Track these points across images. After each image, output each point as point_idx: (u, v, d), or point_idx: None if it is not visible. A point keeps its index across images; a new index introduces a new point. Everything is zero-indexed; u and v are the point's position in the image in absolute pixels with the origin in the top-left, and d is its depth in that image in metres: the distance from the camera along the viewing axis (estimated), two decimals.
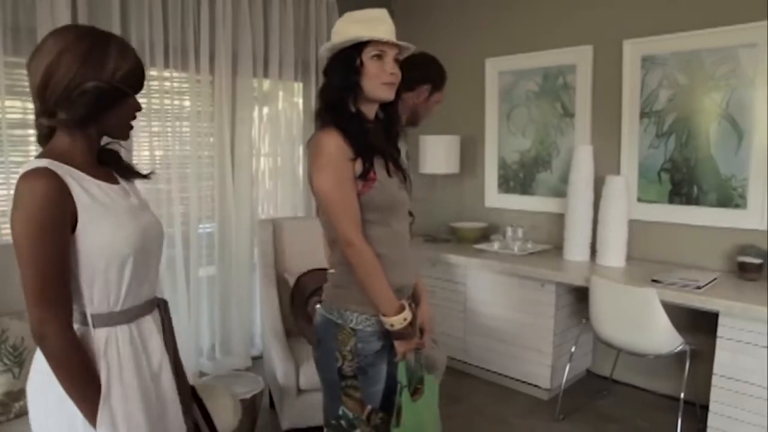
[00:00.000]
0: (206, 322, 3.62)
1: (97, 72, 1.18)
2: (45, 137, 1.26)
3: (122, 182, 1.34)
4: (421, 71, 2.37)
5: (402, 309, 1.59)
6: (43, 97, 1.18)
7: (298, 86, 3.95)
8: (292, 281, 2.95)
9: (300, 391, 2.63)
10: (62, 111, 1.18)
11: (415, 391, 1.72)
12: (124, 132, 1.30)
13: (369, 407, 1.64)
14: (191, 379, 3.18)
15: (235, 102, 3.59)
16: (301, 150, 3.94)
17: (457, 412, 3.12)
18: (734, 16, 2.88)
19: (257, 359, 3.68)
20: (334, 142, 1.54)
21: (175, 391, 1.37)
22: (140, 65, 1.26)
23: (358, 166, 1.55)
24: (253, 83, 3.63)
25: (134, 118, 1.30)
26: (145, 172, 1.42)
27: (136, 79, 1.26)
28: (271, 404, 3.02)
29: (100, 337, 1.23)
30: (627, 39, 3.28)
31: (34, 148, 2.87)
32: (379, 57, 1.59)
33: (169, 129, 3.33)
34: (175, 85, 3.36)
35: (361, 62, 1.57)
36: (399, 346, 1.62)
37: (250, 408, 2.60)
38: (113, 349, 1.23)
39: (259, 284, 3.11)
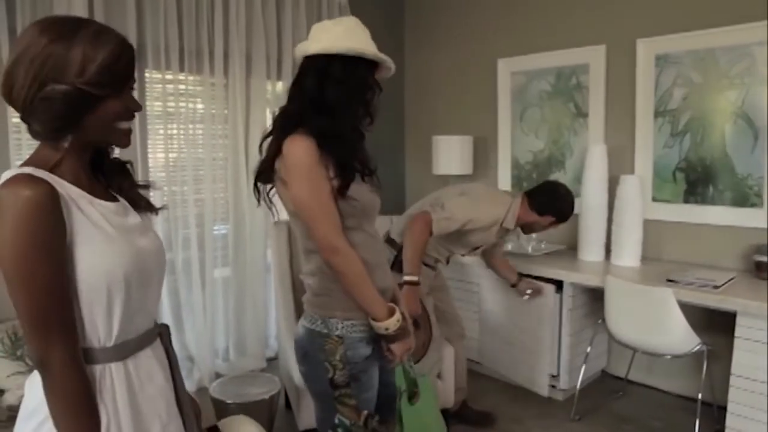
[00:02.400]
0: (221, 323, 3.64)
1: (59, 71, 0.97)
2: None
3: (122, 200, 1.16)
4: (557, 205, 2.69)
5: (393, 311, 1.56)
6: (11, 103, 1.01)
7: None
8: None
9: None
10: (32, 121, 1.01)
11: (413, 395, 1.70)
12: (117, 138, 1.09)
13: (365, 412, 1.61)
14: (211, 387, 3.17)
15: (248, 104, 3.60)
16: None
17: None
18: (749, 14, 2.86)
19: (272, 360, 3.70)
20: (309, 149, 1.48)
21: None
22: (121, 55, 1.03)
23: (336, 181, 1.51)
24: (266, 85, 3.65)
25: (126, 119, 1.08)
26: (157, 204, 1.24)
27: (114, 75, 1.02)
28: (288, 405, 3.03)
29: (93, 376, 1.04)
30: (640, 38, 3.27)
31: None
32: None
33: (183, 132, 3.35)
34: (190, 87, 3.38)
35: (376, 83, 1.58)
36: (396, 348, 1.58)
37: (267, 409, 2.62)
38: (108, 390, 1.05)
39: (274, 286, 3.13)
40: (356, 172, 1.54)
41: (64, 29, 0.99)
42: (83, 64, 0.98)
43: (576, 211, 3.44)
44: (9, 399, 2.07)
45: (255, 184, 1.64)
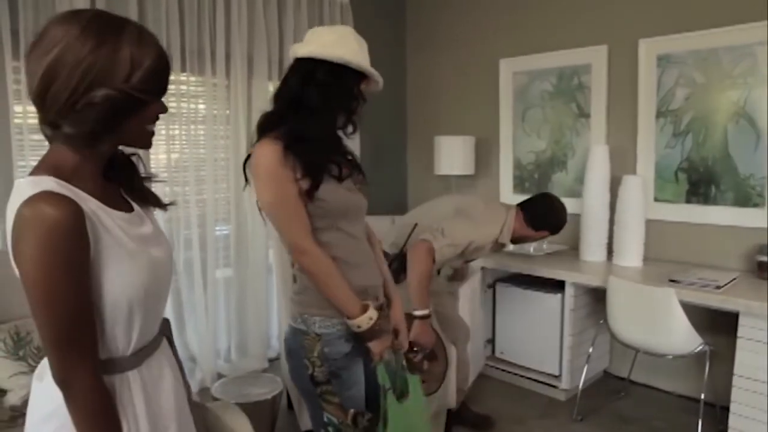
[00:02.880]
0: (223, 323, 3.64)
1: (106, 76, 0.94)
2: (51, 141, 1.04)
3: (136, 206, 1.13)
4: (552, 221, 2.74)
5: (366, 309, 1.56)
6: (42, 105, 0.96)
7: None
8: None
9: None
10: (66, 124, 0.95)
11: (402, 394, 1.70)
12: (145, 141, 1.07)
13: (352, 411, 1.60)
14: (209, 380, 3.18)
15: (250, 105, 3.61)
16: None
17: None
18: (751, 14, 2.86)
19: (274, 361, 3.70)
20: (273, 154, 1.49)
21: (192, 426, 1.24)
22: (163, 60, 1.01)
23: (305, 183, 1.51)
24: (268, 86, 3.65)
25: (156, 121, 1.07)
26: (165, 200, 1.21)
27: (159, 80, 1.01)
28: (290, 405, 3.03)
29: (113, 385, 1.04)
30: (642, 38, 3.26)
31: None
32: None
33: (185, 132, 3.36)
34: (191, 88, 3.39)
35: (362, 94, 1.61)
36: (373, 346, 1.59)
37: (269, 409, 2.62)
38: (127, 398, 1.06)
39: (276, 286, 3.13)
40: (326, 174, 1.55)
41: (107, 30, 0.95)
42: (131, 69, 0.96)
43: (578, 211, 3.46)
44: (11, 399, 2.07)
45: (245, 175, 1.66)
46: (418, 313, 2.35)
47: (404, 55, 4.59)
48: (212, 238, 3.47)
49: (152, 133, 1.08)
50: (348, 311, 1.56)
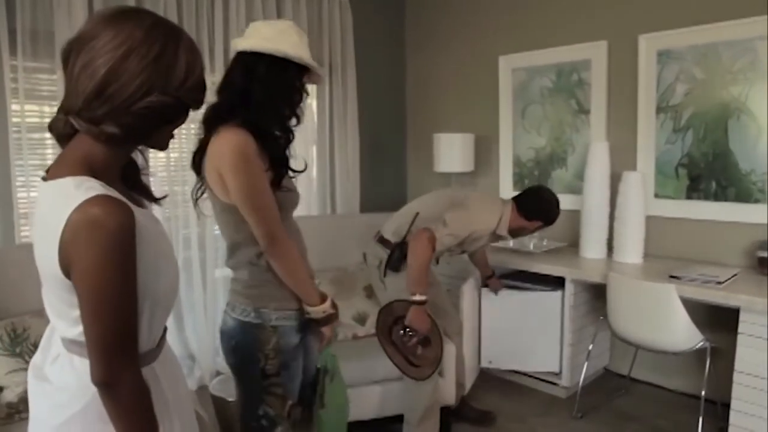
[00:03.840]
0: (222, 322, 3.63)
1: (164, 83, 0.96)
2: (67, 138, 1.02)
3: (147, 204, 1.16)
4: (544, 211, 2.73)
5: (325, 298, 1.66)
6: (91, 103, 0.94)
7: (311, 86, 3.95)
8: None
9: None
10: (111, 123, 0.95)
11: (333, 376, 1.79)
12: (167, 143, 1.09)
13: (290, 402, 1.66)
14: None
15: None
16: (315, 151, 3.96)
17: None
18: (752, 8, 2.84)
19: None
20: (246, 141, 1.51)
21: (192, 405, 1.29)
22: (204, 70, 1.05)
23: (269, 175, 1.56)
24: None
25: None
26: (158, 194, 1.21)
27: (202, 91, 1.05)
28: None
29: (145, 379, 1.05)
30: (642, 33, 3.25)
31: (51, 152, 2.90)
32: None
33: (184, 131, 3.35)
34: None
35: (303, 87, 1.64)
36: (326, 331, 1.69)
37: None
38: (156, 389, 1.07)
39: None
40: (287, 167, 1.61)
41: (168, 38, 0.97)
42: (185, 77, 0.98)
43: (578, 208, 3.45)
44: (8, 396, 2.07)
45: (197, 170, 1.66)
46: (415, 298, 2.43)
47: (403, 53, 4.58)
48: (211, 237, 3.47)
49: (172, 137, 1.10)
50: (312, 299, 1.62)
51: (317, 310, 1.63)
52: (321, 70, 1.67)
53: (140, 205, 1.09)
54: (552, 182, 3.75)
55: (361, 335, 2.93)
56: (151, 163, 3.21)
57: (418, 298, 2.43)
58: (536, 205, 2.73)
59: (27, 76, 2.79)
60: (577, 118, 3.62)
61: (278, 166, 1.57)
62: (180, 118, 1.04)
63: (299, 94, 1.63)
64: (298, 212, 4.02)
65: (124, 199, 0.96)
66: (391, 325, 2.54)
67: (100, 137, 0.97)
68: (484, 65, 4.04)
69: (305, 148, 3.91)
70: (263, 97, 1.55)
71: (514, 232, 2.79)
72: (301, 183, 3.83)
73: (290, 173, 1.66)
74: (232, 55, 1.64)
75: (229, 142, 1.52)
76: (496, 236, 2.73)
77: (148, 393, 1.01)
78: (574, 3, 3.55)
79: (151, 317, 1.05)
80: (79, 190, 0.92)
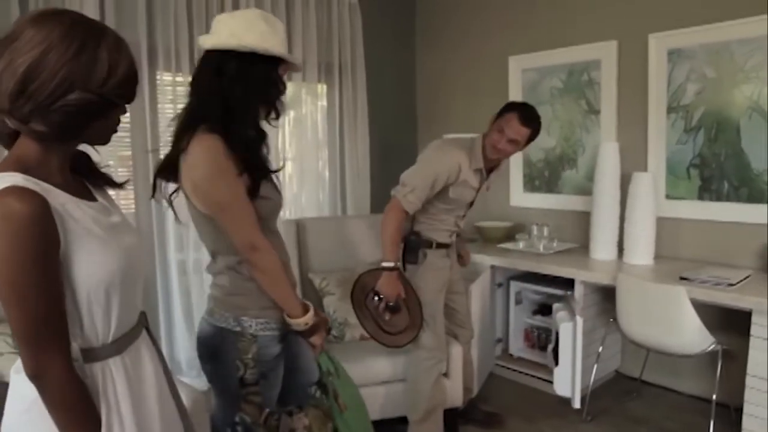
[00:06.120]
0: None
1: (84, 80, 0.97)
2: (8, 137, 1.04)
3: (99, 198, 1.15)
4: (512, 104, 2.60)
5: (308, 307, 1.60)
6: (15, 101, 0.96)
7: (321, 88, 3.98)
8: (317, 281, 2.98)
9: None
10: (38, 121, 0.97)
11: (337, 373, 1.78)
12: (105, 139, 1.10)
13: (266, 410, 1.61)
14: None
15: None
16: (326, 153, 3.97)
17: None
18: (764, 6, 2.80)
19: None
20: (219, 149, 1.43)
21: (177, 415, 1.27)
22: (134, 68, 1.05)
23: (245, 181, 1.47)
24: None
25: (118, 123, 1.11)
26: (118, 180, 1.23)
27: (130, 87, 1.05)
28: None
29: (95, 374, 1.06)
30: (653, 33, 3.21)
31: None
32: (281, 76, 1.57)
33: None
34: None
35: (280, 79, 1.54)
36: (314, 341, 1.64)
37: None
38: (110, 386, 1.07)
39: None
40: (264, 171, 1.53)
41: (89, 35, 0.98)
42: (108, 75, 0.99)
43: (588, 209, 3.42)
44: None
45: (154, 181, 1.60)
46: (384, 264, 2.45)
47: (414, 54, 4.57)
48: None
49: (114, 132, 1.10)
50: (292, 310, 1.56)
51: (298, 323, 1.56)
52: (294, 58, 1.56)
53: (87, 197, 1.10)
54: (562, 183, 3.73)
55: (367, 336, 2.93)
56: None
57: (387, 264, 2.44)
58: (504, 107, 2.56)
59: None
60: (587, 118, 3.59)
61: (254, 170, 1.49)
62: (110, 114, 1.05)
63: (275, 87, 1.54)
64: (309, 213, 4.07)
65: (46, 190, 0.97)
66: (366, 295, 2.56)
67: (31, 135, 1.00)
68: (493, 66, 4.02)
69: (316, 149, 3.93)
70: (234, 97, 1.47)
71: (498, 154, 2.55)
72: (311, 184, 3.91)
73: (273, 178, 1.59)
74: (198, 54, 1.53)
75: (200, 152, 1.44)
76: (477, 172, 2.58)
77: (78, 387, 1.00)
78: (584, 3, 3.53)
79: (107, 310, 1.06)
80: None
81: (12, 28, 0.98)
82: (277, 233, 1.65)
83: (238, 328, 1.56)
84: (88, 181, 1.16)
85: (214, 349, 1.60)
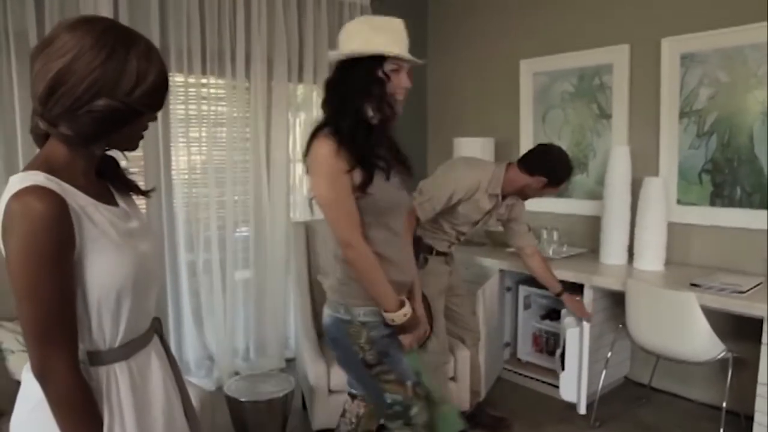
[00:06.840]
0: (241, 323, 3.68)
1: (112, 87, 0.99)
2: (42, 138, 1.07)
3: (121, 203, 1.17)
4: (548, 165, 2.58)
5: (402, 304, 1.69)
6: (45, 104, 0.99)
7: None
8: (325, 284, 2.98)
9: (331, 392, 2.65)
10: (65, 125, 1.00)
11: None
12: (133, 145, 1.13)
13: (409, 383, 1.71)
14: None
15: (270, 107, 3.64)
16: None
17: None
18: None
19: (291, 361, 3.72)
20: (331, 150, 1.59)
21: (185, 425, 1.25)
22: (164, 77, 1.06)
23: (357, 176, 1.60)
24: (288, 88, 3.68)
25: (146, 129, 1.13)
26: (144, 187, 1.25)
27: (158, 96, 1.06)
28: (304, 405, 3.04)
29: (100, 377, 1.06)
30: (665, 37, 3.19)
31: None
32: (396, 71, 1.65)
33: (205, 135, 3.41)
34: (212, 91, 3.44)
35: (385, 74, 1.63)
36: (404, 339, 1.73)
37: (281, 407, 2.64)
38: (114, 390, 1.07)
39: (292, 286, 3.15)
40: (375, 168, 1.62)
41: (119, 43, 1.00)
42: (136, 83, 1.00)
43: (598, 213, 3.40)
44: None
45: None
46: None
47: (425, 57, 4.55)
48: (231, 239, 3.51)
49: (140, 138, 1.13)
50: (386, 305, 1.67)
51: (387, 317, 1.67)
52: (399, 51, 1.65)
53: (109, 201, 1.12)
54: (573, 187, 3.71)
55: None
56: (173, 167, 3.28)
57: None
58: (539, 158, 2.59)
59: None
60: (598, 122, 3.57)
61: (365, 167, 1.60)
62: (137, 122, 1.06)
63: (378, 84, 1.63)
64: (319, 215, 4.07)
65: (66, 191, 0.99)
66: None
67: (59, 137, 1.03)
68: (504, 69, 4.02)
69: None
70: (337, 99, 1.64)
71: (517, 192, 2.64)
72: None
73: (390, 178, 1.67)
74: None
75: (313, 153, 1.63)
76: (492, 197, 2.61)
77: (82, 390, 1.01)
78: (596, 7, 3.51)
79: (116, 314, 1.07)
80: (20, 182, 0.96)
81: (50, 33, 1.01)
82: (392, 230, 1.72)
83: (348, 317, 1.71)
84: (112, 185, 1.18)
85: (333, 338, 1.76)
